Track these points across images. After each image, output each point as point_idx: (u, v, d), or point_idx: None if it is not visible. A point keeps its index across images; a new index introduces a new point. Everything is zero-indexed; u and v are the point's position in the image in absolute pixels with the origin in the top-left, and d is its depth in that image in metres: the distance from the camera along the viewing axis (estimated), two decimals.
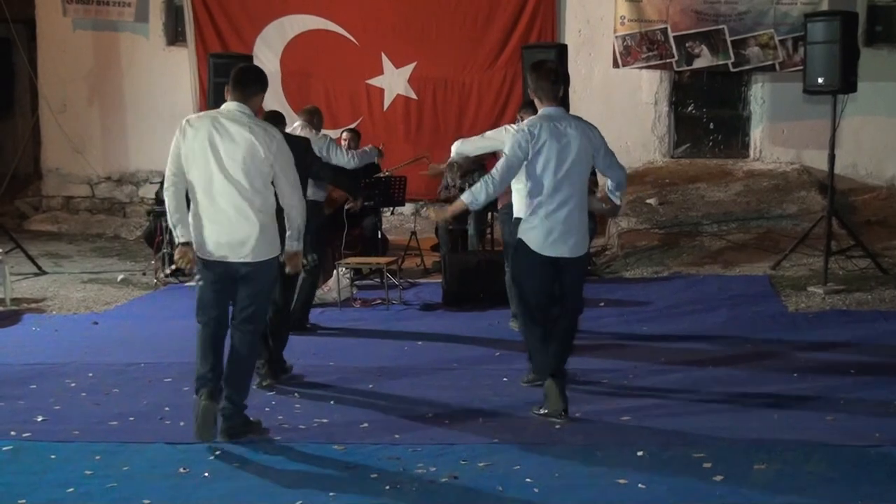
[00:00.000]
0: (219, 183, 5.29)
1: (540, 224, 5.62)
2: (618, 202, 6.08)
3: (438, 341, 7.56)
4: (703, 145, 12.46)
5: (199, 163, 5.30)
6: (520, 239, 5.73)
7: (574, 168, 5.60)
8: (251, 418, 5.54)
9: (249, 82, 5.48)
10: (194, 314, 5.47)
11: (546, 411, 5.64)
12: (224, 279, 5.40)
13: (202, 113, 5.48)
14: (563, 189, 5.59)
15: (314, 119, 8.32)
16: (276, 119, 7.19)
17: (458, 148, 6.93)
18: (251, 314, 5.44)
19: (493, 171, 5.66)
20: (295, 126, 8.31)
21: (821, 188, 11.11)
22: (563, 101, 6.64)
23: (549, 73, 5.68)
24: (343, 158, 8.20)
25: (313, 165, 7.17)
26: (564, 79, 6.64)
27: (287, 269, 5.69)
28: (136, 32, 13.03)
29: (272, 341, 6.48)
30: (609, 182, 5.98)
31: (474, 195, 5.65)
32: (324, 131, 8.59)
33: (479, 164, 10.42)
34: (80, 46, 13.15)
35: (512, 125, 6.54)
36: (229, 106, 5.40)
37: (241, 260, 5.35)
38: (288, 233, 5.57)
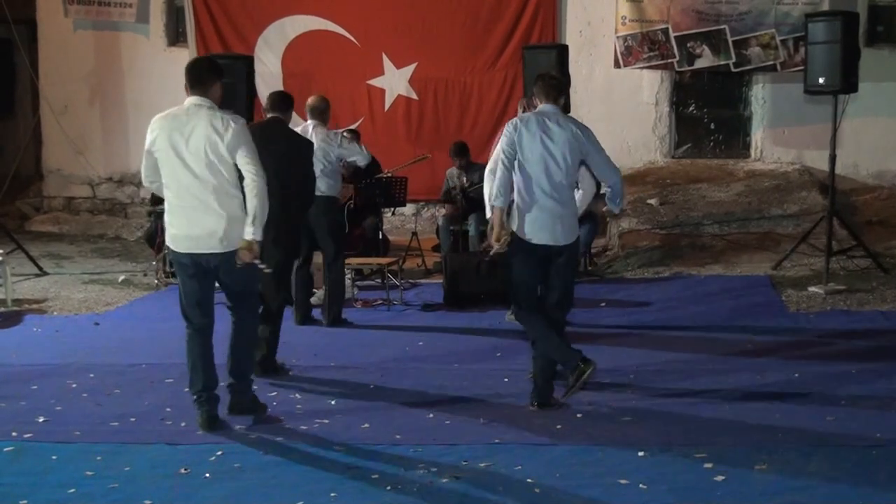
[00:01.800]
0: (184, 178, 5.37)
1: (527, 212, 5.78)
2: (616, 211, 6.23)
3: (439, 341, 7.55)
4: (704, 145, 12.45)
5: (165, 161, 5.40)
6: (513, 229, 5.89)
7: (558, 161, 5.74)
8: (259, 400, 5.78)
9: (203, 72, 5.52)
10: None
11: (571, 380, 5.75)
12: (198, 273, 5.46)
13: (166, 112, 5.52)
14: (546, 181, 5.75)
15: (324, 116, 8.29)
16: (277, 125, 7.12)
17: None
18: (237, 303, 5.57)
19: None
20: (306, 125, 8.29)
21: (822, 188, 11.10)
22: (565, 104, 6.72)
23: (552, 78, 6.03)
24: (356, 148, 8.41)
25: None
26: (565, 79, 6.73)
27: (237, 261, 5.35)
28: (137, 33, 13.03)
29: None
30: (605, 189, 6.07)
31: (487, 195, 5.96)
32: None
33: (481, 164, 10.44)
34: (81, 47, 13.14)
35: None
36: (189, 101, 5.46)
37: (211, 251, 5.39)
38: (247, 217, 5.34)
